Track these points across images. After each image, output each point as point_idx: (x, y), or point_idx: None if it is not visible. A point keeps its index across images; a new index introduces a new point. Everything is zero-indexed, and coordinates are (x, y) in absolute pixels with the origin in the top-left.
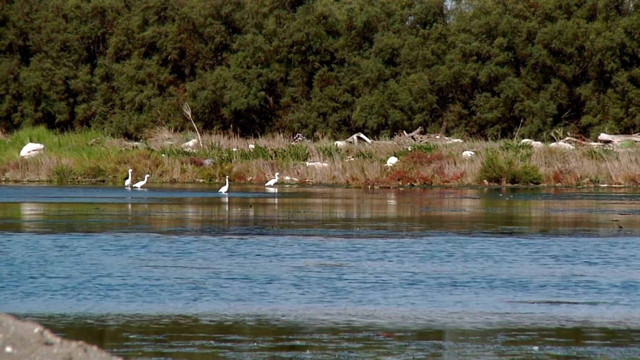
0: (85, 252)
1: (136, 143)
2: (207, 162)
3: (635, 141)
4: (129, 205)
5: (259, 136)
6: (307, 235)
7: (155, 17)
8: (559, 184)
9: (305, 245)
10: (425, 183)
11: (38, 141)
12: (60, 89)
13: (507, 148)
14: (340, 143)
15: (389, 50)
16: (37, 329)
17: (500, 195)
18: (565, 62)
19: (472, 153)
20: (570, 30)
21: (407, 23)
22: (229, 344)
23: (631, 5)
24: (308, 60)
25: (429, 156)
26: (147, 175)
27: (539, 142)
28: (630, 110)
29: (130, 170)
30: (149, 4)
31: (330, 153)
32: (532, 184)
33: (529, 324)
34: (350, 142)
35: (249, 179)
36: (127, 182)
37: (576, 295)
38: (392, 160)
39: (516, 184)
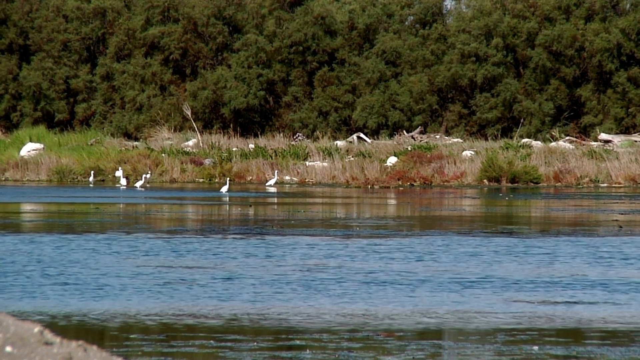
0: (85, 251)
1: (136, 143)
2: (207, 161)
3: (635, 141)
4: (129, 206)
5: (259, 136)
6: (307, 235)
7: (159, 17)
8: (559, 183)
9: (305, 245)
10: (425, 183)
11: (38, 141)
12: (60, 88)
13: (507, 148)
14: (340, 143)
15: (391, 51)
16: (37, 328)
17: (500, 195)
18: (566, 64)
19: (472, 153)
20: (569, 33)
21: (406, 23)
22: (229, 344)
23: (628, 6)
24: (307, 61)
25: (428, 156)
26: (145, 175)
27: (538, 142)
28: (630, 110)
29: (121, 171)
30: (153, 4)
31: (330, 153)
32: (532, 184)
33: (529, 324)
34: (350, 142)
35: (249, 178)
36: (123, 181)
37: (576, 295)
38: (392, 160)
39: (516, 184)
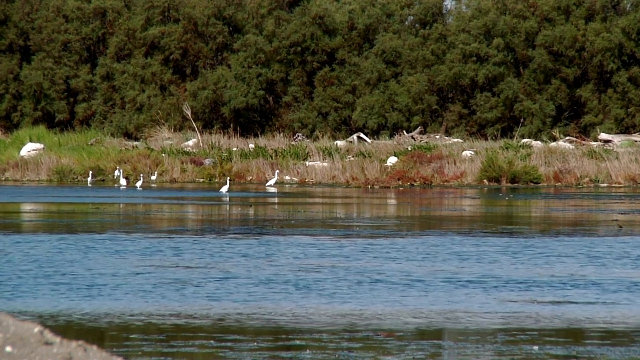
0: (86, 251)
1: (136, 142)
2: (207, 161)
3: (635, 141)
4: (129, 206)
5: (259, 136)
6: (307, 235)
7: (159, 16)
8: (559, 183)
9: (305, 245)
10: (425, 183)
11: (38, 141)
12: (60, 88)
13: (507, 148)
14: (340, 143)
15: (391, 51)
16: (37, 328)
17: (500, 194)
18: (566, 64)
19: (472, 153)
20: (570, 34)
21: (406, 23)
22: (229, 344)
23: (628, 6)
24: (307, 61)
25: (428, 156)
26: (142, 175)
27: (538, 142)
28: (630, 110)
29: (120, 171)
30: (153, 4)
31: (330, 153)
32: (532, 184)
33: (529, 324)
34: (350, 142)
35: (249, 178)
36: (123, 181)
37: (576, 295)
38: (392, 160)
39: (516, 184)
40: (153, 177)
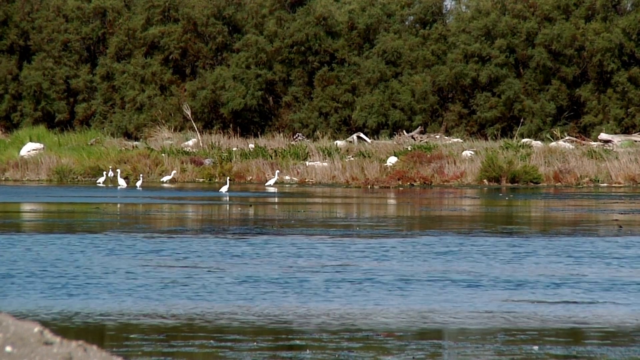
0: (86, 251)
1: (136, 142)
2: (207, 161)
3: (635, 141)
4: (129, 205)
5: (259, 136)
6: (307, 235)
7: (159, 16)
8: (559, 183)
9: (304, 245)
10: (425, 183)
11: (38, 141)
12: (60, 88)
13: (507, 147)
14: (340, 143)
15: (392, 51)
16: (36, 328)
17: (500, 194)
18: (565, 64)
19: (472, 153)
20: (569, 32)
21: (406, 23)
22: (229, 344)
23: (629, 5)
24: (308, 61)
25: (428, 156)
26: (168, 177)
27: (538, 142)
28: (629, 110)
29: (115, 171)
30: (153, 4)
31: (330, 153)
32: (532, 184)
33: (529, 324)
34: (350, 142)
35: (248, 178)
36: (122, 182)
37: (576, 295)
38: (392, 160)
39: (516, 184)
40: (168, 177)
